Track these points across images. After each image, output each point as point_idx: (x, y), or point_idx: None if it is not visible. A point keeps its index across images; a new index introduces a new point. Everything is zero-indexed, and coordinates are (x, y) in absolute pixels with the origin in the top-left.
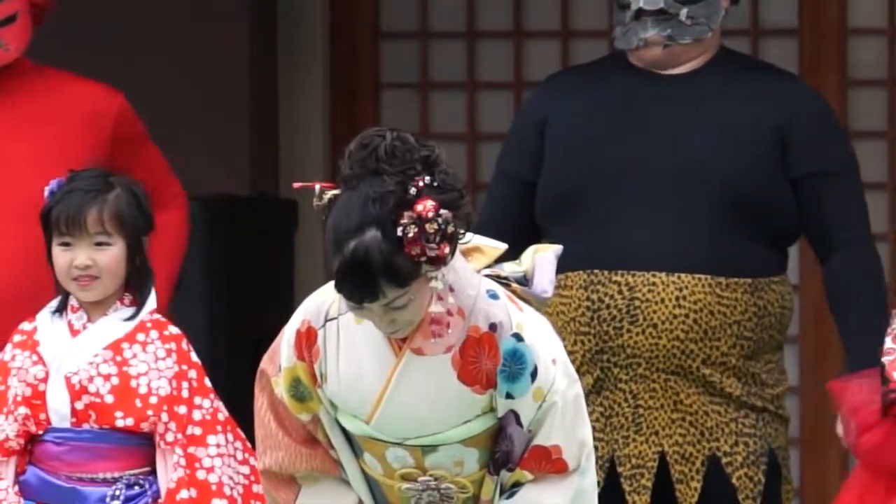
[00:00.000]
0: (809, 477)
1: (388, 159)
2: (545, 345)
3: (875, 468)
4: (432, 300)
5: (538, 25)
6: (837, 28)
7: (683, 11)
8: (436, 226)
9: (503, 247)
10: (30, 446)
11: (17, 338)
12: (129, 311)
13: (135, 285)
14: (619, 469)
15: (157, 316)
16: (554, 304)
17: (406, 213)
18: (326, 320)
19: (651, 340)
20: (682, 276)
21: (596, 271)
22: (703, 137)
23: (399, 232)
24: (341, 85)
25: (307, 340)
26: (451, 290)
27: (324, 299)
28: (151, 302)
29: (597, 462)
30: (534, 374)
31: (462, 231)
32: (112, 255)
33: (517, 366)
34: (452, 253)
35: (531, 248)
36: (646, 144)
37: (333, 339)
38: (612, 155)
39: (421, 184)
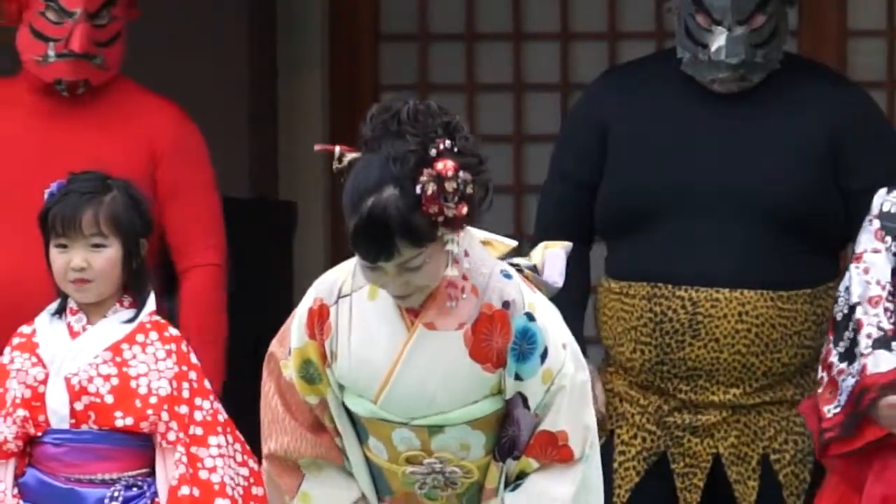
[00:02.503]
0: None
1: (410, 122)
2: (556, 328)
3: (848, 480)
4: (449, 265)
5: (538, 27)
6: (837, 30)
7: (759, 53)
8: (455, 185)
9: (513, 243)
10: (29, 448)
11: (16, 340)
12: (129, 313)
13: (133, 287)
14: (672, 466)
15: (156, 318)
16: (615, 308)
17: (426, 171)
18: (339, 297)
19: (712, 354)
20: (745, 291)
21: (660, 284)
22: (761, 154)
23: (418, 189)
24: (341, 87)
25: (319, 317)
26: (466, 254)
27: (337, 276)
28: (151, 304)
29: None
30: (543, 356)
31: (481, 196)
32: (106, 257)
33: (528, 345)
34: (470, 216)
35: (541, 245)
36: (707, 162)
37: (346, 316)
38: (675, 171)
39: (442, 146)
